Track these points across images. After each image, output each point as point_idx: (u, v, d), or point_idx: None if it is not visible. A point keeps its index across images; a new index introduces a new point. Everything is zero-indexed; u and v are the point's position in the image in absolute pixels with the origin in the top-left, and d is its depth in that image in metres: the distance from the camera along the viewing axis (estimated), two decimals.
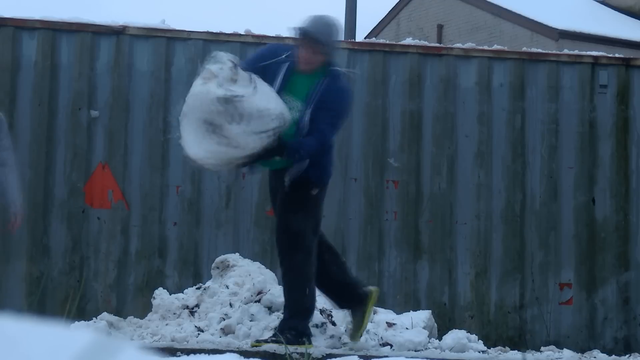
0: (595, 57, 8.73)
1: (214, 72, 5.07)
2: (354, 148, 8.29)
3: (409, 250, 8.25)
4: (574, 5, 23.78)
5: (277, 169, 5.60)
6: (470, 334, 6.80)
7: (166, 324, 6.11)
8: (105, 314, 6.34)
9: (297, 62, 5.49)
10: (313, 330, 5.75)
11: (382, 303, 8.06)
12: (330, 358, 5.40)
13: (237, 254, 7.23)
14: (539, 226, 8.44)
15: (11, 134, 7.94)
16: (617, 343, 8.41)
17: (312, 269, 5.50)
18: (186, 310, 6.21)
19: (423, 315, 6.55)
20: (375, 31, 25.77)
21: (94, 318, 6.81)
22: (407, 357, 5.58)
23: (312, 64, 5.47)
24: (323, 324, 5.82)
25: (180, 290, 7.02)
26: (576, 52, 8.86)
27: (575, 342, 8.27)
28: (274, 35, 8.37)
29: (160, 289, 6.96)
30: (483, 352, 6.42)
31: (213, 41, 8.24)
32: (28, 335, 1.19)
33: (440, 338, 6.50)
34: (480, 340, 6.63)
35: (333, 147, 5.96)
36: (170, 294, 6.74)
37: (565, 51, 8.93)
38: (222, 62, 5.17)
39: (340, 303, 5.87)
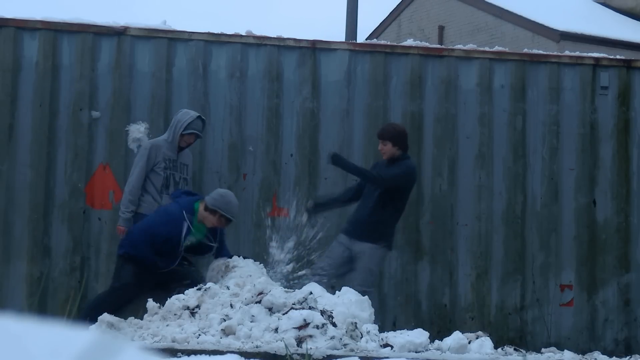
0: (596, 59, 8.73)
1: None
2: (355, 149, 8.29)
3: (410, 251, 8.25)
4: (575, 7, 23.79)
5: None
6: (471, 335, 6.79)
7: (167, 325, 6.11)
8: (105, 314, 6.33)
9: None
10: (314, 331, 5.75)
11: (383, 304, 8.06)
12: (331, 359, 5.40)
13: (238, 255, 7.24)
14: (540, 228, 8.44)
15: (12, 135, 7.95)
16: (618, 345, 8.41)
17: None
18: (187, 311, 6.21)
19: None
20: (377, 32, 25.79)
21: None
22: (407, 359, 5.58)
23: None
24: (324, 324, 5.82)
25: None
26: (577, 53, 8.86)
27: (575, 343, 8.27)
28: (275, 36, 8.38)
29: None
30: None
31: (214, 42, 8.25)
32: (31, 334, 1.19)
33: (441, 339, 6.49)
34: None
35: None
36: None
37: (567, 53, 8.92)
38: None
39: None
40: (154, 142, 7.60)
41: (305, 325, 5.80)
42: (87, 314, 6.68)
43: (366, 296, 6.66)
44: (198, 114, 7.64)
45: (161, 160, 7.51)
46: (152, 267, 6.96)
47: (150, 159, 7.49)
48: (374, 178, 7.43)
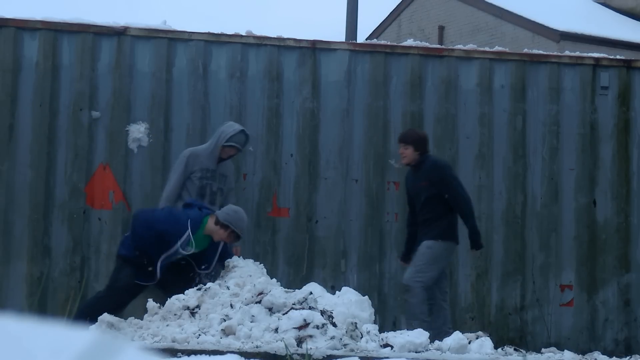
0: (597, 59, 8.73)
1: None
2: (355, 149, 8.30)
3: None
4: (575, 7, 23.79)
5: None
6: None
7: (167, 325, 6.11)
8: (105, 314, 6.33)
9: None
10: (314, 331, 5.75)
11: (383, 304, 8.06)
12: (331, 359, 5.40)
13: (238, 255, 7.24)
14: (540, 228, 8.44)
15: (12, 135, 7.95)
16: (618, 345, 8.41)
17: None
18: (187, 311, 6.21)
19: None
20: (377, 32, 25.79)
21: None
22: (407, 359, 5.58)
23: None
24: (324, 325, 5.82)
25: None
26: (577, 53, 8.86)
27: (576, 343, 8.27)
28: (275, 36, 8.38)
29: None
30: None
31: (214, 42, 8.25)
32: (31, 334, 1.19)
33: (441, 339, 6.49)
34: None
35: None
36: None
37: (567, 53, 8.92)
38: None
39: None
40: (192, 151, 7.64)
41: (305, 325, 5.80)
42: (83, 314, 6.67)
43: (366, 296, 6.66)
44: (242, 128, 7.66)
45: (198, 169, 7.53)
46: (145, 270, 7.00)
47: (187, 166, 7.53)
48: (462, 200, 7.57)
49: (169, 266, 7.02)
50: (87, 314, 6.57)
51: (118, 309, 6.77)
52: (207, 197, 7.54)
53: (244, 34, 8.34)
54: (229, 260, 7.01)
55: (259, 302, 6.11)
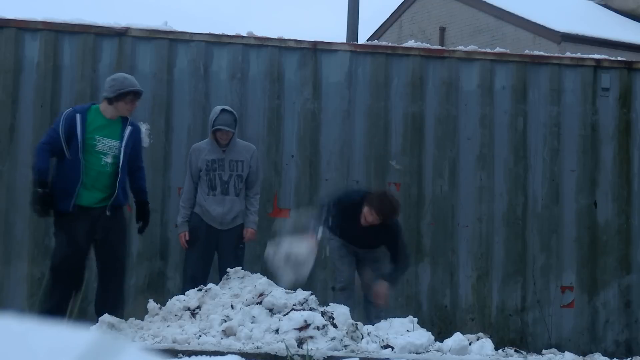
0: (598, 60, 8.73)
1: None
2: (355, 150, 8.30)
3: (411, 252, 8.24)
4: (577, 8, 23.79)
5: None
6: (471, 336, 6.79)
7: (167, 326, 6.11)
8: (106, 315, 6.33)
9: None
10: (314, 332, 5.75)
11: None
12: None
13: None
14: (541, 229, 8.43)
15: (13, 135, 7.95)
16: (619, 346, 8.41)
17: None
18: (188, 312, 6.21)
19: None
20: (378, 33, 25.79)
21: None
22: None
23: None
24: (324, 326, 5.81)
25: (181, 291, 7.01)
26: (578, 55, 8.86)
27: (576, 345, 8.27)
28: (276, 37, 8.38)
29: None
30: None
31: (215, 43, 8.25)
32: (33, 333, 1.19)
33: (442, 340, 6.49)
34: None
35: None
36: (171, 296, 6.74)
37: (568, 54, 8.92)
38: None
39: None
40: (193, 147, 7.58)
41: (306, 326, 5.80)
42: (47, 295, 6.76)
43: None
44: (223, 107, 7.46)
45: (202, 164, 7.43)
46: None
47: (192, 163, 7.48)
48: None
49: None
50: (50, 291, 6.63)
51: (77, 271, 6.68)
52: (218, 187, 7.42)
53: (245, 35, 8.34)
54: (238, 269, 6.84)
55: (260, 303, 6.11)
